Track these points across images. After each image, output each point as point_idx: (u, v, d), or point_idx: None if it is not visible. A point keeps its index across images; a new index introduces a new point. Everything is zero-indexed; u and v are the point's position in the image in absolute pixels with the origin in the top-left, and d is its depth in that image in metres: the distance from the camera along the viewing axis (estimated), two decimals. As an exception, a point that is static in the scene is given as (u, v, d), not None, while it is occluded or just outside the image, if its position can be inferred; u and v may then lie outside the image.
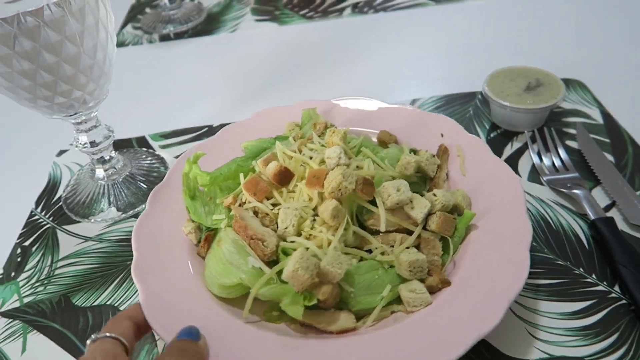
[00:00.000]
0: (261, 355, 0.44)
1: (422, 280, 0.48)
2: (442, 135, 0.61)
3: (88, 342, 0.41)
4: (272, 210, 0.52)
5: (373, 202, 0.51)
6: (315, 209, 0.51)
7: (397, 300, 0.48)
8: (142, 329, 0.45)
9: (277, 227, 0.51)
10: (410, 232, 0.50)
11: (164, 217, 0.56)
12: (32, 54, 0.50)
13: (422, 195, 0.52)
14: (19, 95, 0.54)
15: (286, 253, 0.49)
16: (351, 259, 0.49)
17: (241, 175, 0.56)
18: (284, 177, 0.52)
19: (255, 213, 0.53)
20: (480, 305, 0.44)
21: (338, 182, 0.48)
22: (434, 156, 0.57)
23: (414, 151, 0.60)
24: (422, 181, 0.58)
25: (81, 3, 0.52)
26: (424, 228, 0.51)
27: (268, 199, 0.53)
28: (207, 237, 0.54)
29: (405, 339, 0.43)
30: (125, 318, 0.44)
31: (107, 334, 0.41)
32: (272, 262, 0.49)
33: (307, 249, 0.47)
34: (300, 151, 0.55)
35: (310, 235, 0.50)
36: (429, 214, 0.51)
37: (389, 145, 0.61)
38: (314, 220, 0.50)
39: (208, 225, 0.55)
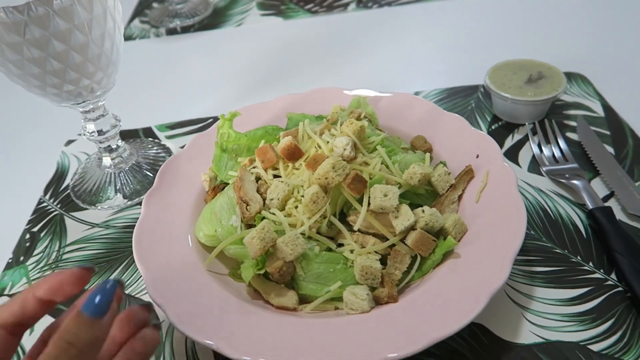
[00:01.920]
0: (217, 311, 0.47)
1: (374, 289, 0.48)
2: (477, 157, 0.57)
3: None
4: (271, 180, 0.54)
5: (362, 201, 0.50)
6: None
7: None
8: (20, 328, 0.38)
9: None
10: (387, 240, 0.49)
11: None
12: (42, 41, 0.52)
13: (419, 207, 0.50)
14: (29, 83, 0.56)
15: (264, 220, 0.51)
16: (315, 246, 0.50)
17: (262, 142, 0.59)
18: (292, 154, 0.54)
19: (258, 179, 0.55)
20: (407, 332, 0.42)
21: (325, 171, 0.49)
22: (448, 174, 0.54)
23: (443, 164, 0.56)
24: (431, 195, 0.55)
25: (90, -7, 0.53)
26: (402, 240, 0.49)
27: (275, 169, 0.55)
28: (215, 187, 0.59)
29: (338, 332, 0.44)
30: None
31: None
32: (251, 226, 0.52)
33: (275, 223, 0.50)
34: (322, 134, 0.56)
35: (290, 213, 0.52)
36: (412, 228, 0.49)
37: (416, 151, 0.59)
38: (300, 200, 0.52)
39: (222, 179, 0.59)
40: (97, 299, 0.34)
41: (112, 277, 0.58)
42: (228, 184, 0.58)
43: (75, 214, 0.67)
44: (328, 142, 0.54)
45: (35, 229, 0.65)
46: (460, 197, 0.55)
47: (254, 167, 0.57)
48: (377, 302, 0.47)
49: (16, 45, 0.51)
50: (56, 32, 0.52)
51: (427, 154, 0.57)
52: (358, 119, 0.59)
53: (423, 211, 0.49)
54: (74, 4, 0.52)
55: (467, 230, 0.51)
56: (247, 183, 0.55)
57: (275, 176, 0.55)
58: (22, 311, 0.37)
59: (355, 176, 0.49)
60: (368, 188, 0.50)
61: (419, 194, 0.54)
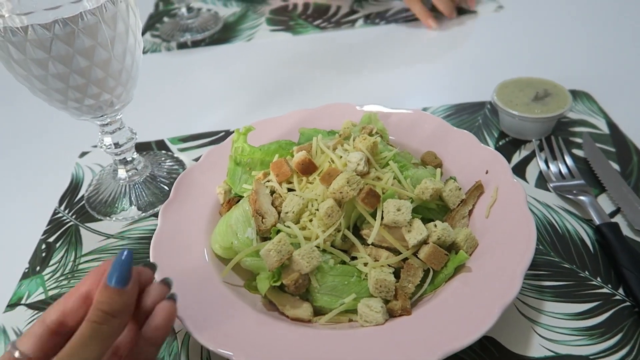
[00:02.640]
0: (233, 322, 0.48)
1: (387, 302, 0.49)
2: (486, 172, 0.58)
3: (8, 347, 0.40)
4: (285, 193, 0.55)
5: (376, 215, 0.51)
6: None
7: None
8: (62, 327, 0.41)
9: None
10: (401, 253, 0.50)
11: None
12: (66, 58, 0.53)
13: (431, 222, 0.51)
14: (52, 97, 0.57)
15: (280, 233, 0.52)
16: (329, 259, 0.51)
17: (276, 156, 0.60)
18: (306, 168, 0.55)
19: (273, 192, 0.57)
20: (421, 344, 0.43)
21: (340, 185, 0.50)
22: (459, 189, 0.56)
23: (454, 179, 0.57)
24: (442, 210, 0.56)
25: (113, 11, 0.55)
26: (415, 254, 0.51)
27: (289, 183, 0.57)
28: (230, 200, 0.60)
29: (353, 344, 0.45)
30: (41, 325, 0.40)
31: (16, 351, 0.39)
32: (267, 239, 0.53)
33: (291, 236, 0.51)
34: (335, 149, 0.57)
35: (305, 226, 0.53)
36: (424, 242, 0.50)
37: (427, 167, 0.60)
38: (315, 214, 0.53)
39: (236, 192, 0.61)
40: (120, 269, 0.40)
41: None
42: (242, 197, 0.60)
43: (90, 224, 0.68)
44: (341, 157, 0.55)
45: (51, 240, 0.67)
46: (470, 212, 0.56)
47: (268, 181, 0.58)
48: (391, 314, 0.48)
49: (41, 61, 0.53)
50: (80, 49, 0.53)
51: (438, 170, 0.59)
52: (370, 134, 0.61)
53: (435, 225, 0.51)
54: (98, 22, 0.54)
55: (478, 244, 0.52)
56: (263, 196, 0.56)
57: (290, 190, 0.57)
58: (63, 307, 0.41)
59: (369, 191, 0.50)
60: (381, 202, 0.51)
61: (431, 209, 0.55)
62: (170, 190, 0.70)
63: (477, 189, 0.57)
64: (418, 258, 0.50)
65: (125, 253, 0.40)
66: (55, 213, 0.71)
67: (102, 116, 0.62)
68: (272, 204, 0.56)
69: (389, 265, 0.50)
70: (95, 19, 0.53)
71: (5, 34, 0.51)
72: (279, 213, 0.55)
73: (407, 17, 1.12)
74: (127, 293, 0.40)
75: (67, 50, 0.53)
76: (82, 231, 0.67)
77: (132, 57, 0.60)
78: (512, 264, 0.47)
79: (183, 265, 0.54)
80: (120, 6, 0.56)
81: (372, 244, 0.52)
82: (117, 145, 0.67)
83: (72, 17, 0.52)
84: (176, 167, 0.75)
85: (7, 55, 0.53)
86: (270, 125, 0.70)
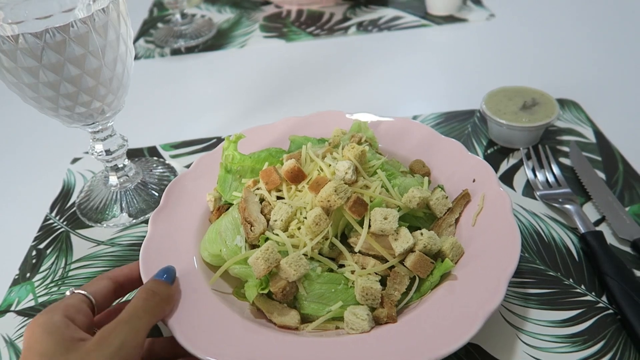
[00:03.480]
0: (221, 329, 0.49)
1: (373, 309, 0.49)
2: (473, 181, 0.59)
3: (67, 293, 0.47)
4: (274, 201, 0.56)
5: (363, 223, 0.52)
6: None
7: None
8: (120, 290, 0.51)
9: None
10: (387, 261, 0.51)
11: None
12: (57, 66, 0.54)
13: (418, 230, 0.52)
14: (42, 105, 0.58)
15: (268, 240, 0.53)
16: (317, 266, 0.52)
17: (266, 164, 0.61)
18: (295, 177, 0.56)
19: (262, 200, 0.57)
20: (406, 351, 0.44)
21: (328, 194, 0.51)
22: (446, 197, 0.56)
23: (441, 187, 0.58)
24: (429, 218, 0.57)
25: (104, 19, 0.55)
26: (402, 262, 0.51)
27: (279, 191, 0.57)
28: (220, 207, 0.61)
29: (339, 352, 0.46)
30: (105, 278, 0.49)
31: (79, 291, 0.46)
32: (255, 247, 0.53)
33: (279, 243, 0.52)
34: (324, 157, 0.58)
35: (293, 234, 0.53)
36: (411, 250, 0.51)
37: (415, 175, 0.61)
38: (303, 222, 0.53)
39: (226, 199, 0.61)
40: (167, 272, 0.50)
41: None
42: (232, 204, 0.60)
43: (80, 231, 0.68)
44: (330, 165, 0.56)
45: (41, 246, 0.67)
46: (457, 220, 0.56)
47: (257, 189, 0.58)
48: (377, 322, 0.49)
49: (32, 69, 0.53)
50: (71, 57, 0.54)
51: (426, 178, 0.59)
52: (359, 143, 0.61)
53: (422, 234, 0.51)
54: (89, 31, 0.54)
55: (464, 252, 0.52)
56: (252, 204, 0.56)
57: (279, 198, 0.57)
58: (130, 273, 0.52)
59: (357, 199, 0.51)
60: (369, 211, 0.51)
61: (418, 217, 0.56)
62: (161, 196, 0.70)
63: (464, 198, 0.57)
64: (404, 266, 0.51)
65: (171, 266, 0.51)
66: (46, 219, 0.71)
67: (93, 124, 0.63)
68: (262, 212, 0.56)
69: (376, 273, 0.51)
70: (86, 28, 0.54)
71: (-4, 42, 0.51)
72: (267, 221, 0.55)
73: (399, 25, 1.13)
74: (172, 288, 0.49)
75: (57, 58, 0.53)
76: (73, 238, 0.67)
77: (123, 65, 0.60)
78: (496, 273, 0.48)
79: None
80: (112, 15, 0.57)
81: (360, 252, 0.52)
82: (108, 152, 0.67)
83: (63, 26, 0.52)
84: (167, 173, 0.75)
85: (-1, 64, 0.53)
86: (261, 133, 0.70)
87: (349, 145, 0.57)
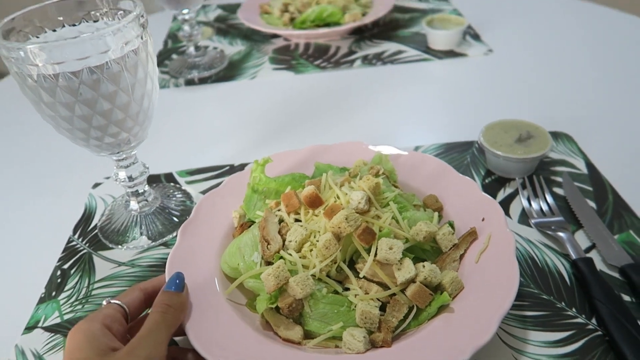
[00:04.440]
0: (231, 336, 0.53)
1: (371, 333, 0.53)
2: (482, 220, 0.62)
3: (104, 302, 0.52)
4: (292, 223, 0.61)
5: (370, 251, 0.56)
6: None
7: None
8: (150, 300, 0.55)
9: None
10: (389, 289, 0.55)
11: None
12: (91, 101, 0.59)
13: (421, 262, 0.56)
14: (75, 135, 0.63)
15: (282, 260, 0.57)
16: (323, 287, 0.56)
17: (288, 187, 0.66)
18: (313, 202, 0.61)
19: (281, 221, 0.62)
20: None
21: (339, 221, 0.55)
22: (452, 234, 0.60)
23: (451, 224, 0.62)
24: (435, 251, 0.60)
25: (135, 59, 0.61)
26: (402, 291, 0.55)
27: (297, 214, 0.62)
28: (243, 224, 0.66)
29: None
30: (137, 289, 0.55)
31: (115, 301, 0.52)
32: (270, 264, 0.58)
33: (291, 263, 0.56)
34: (342, 186, 0.63)
35: (304, 255, 0.57)
36: (412, 280, 0.54)
37: (426, 209, 0.65)
38: (315, 244, 0.58)
39: (250, 217, 0.66)
40: (177, 280, 0.54)
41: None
42: (254, 222, 0.65)
43: (102, 252, 0.73)
44: (346, 194, 0.61)
45: (65, 266, 0.71)
46: (462, 256, 0.60)
47: (278, 210, 0.63)
48: (373, 345, 0.52)
49: (69, 104, 0.59)
50: (104, 93, 0.59)
51: (436, 213, 0.63)
52: (376, 175, 0.66)
53: (424, 266, 0.55)
54: (121, 70, 0.59)
55: (464, 287, 0.56)
56: (271, 224, 0.61)
57: (297, 220, 0.62)
58: (159, 285, 0.55)
59: (366, 228, 0.55)
60: (376, 240, 0.56)
61: (425, 250, 0.60)
62: (178, 220, 0.75)
63: (471, 235, 0.60)
64: (405, 295, 0.55)
65: (180, 273, 0.56)
66: (69, 241, 0.75)
67: (119, 152, 0.68)
68: (279, 232, 0.61)
69: (377, 299, 0.55)
70: (118, 67, 0.59)
71: (38, 80, 0.57)
72: (284, 241, 0.60)
73: (402, 59, 1.19)
74: (183, 297, 0.54)
75: (92, 94, 0.59)
76: (95, 259, 0.72)
77: (149, 99, 0.65)
78: (491, 310, 0.51)
79: (194, 279, 0.59)
80: (141, 55, 0.62)
81: (365, 277, 0.56)
82: (130, 178, 0.72)
83: (99, 66, 0.58)
84: (184, 199, 0.80)
85: (38, 98, 0.59)
86: (289, 157, 0.76)
87: (365, 177, 0.61)
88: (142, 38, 0.62)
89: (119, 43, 0.59)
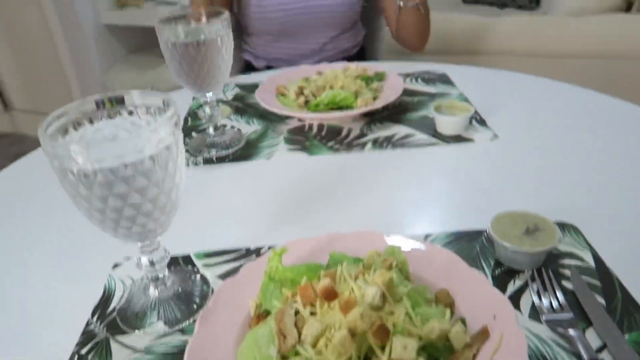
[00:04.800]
0: None
1: None
2: (494, 317, 0.63)
3: None
4: (308, 316, 0.62)
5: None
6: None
7: None
8: None
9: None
10: None
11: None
12: (124, 195, 0.63)
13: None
14: (106, 225, 0.66)
15: (298, 354, 0.58)
16: None
17: (304, 278, 0.67)
18: (329, 295, 0.62)
19: (297, 313, 0.63)
20: None
21: (354, 318, 0.57)
22: (465, 332, 0.61)
23: (463, 321, 0.63)
24: (448, 349, 0.61)
25: (167, 155, 0.65)
26: None
27: (312, 306, 0.63)
28: (259, 314, 0.67)
29: None
30: None
31: None
32: (286, 358, 0.59)
33: (307, 359, 0.57)
34: (357, 278, 0.65)
35: (320, 351, 0.58)
36: None
37: (438, 305, 0.66)
38: (331, 339, 0.58)
39: (266, 307, 0.67)
40: None
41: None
42: (270, 312, 0.67)
43: (119, 337, 0.74)
44: (361, 287, 0.63)
45: (83, 351, 0.72)
46: (474, 356, 0.60)
47: (295, 301, 0.65)
48: None
49: (104, 197, 0.62)
50: (137, 187, 0.63)
51: (448, 310, 0.65)
52: (389, 267, 0.68)
53: None
54: (154, 166, 0.64)
55: None
56: (287, 316, 0.63)
57: (312, 313, 0.63)
58: None
59: (380, 326, 0.57)
60: (391, 337, 0.57)
61: (438, 348, 0.61)
62: (196, 307, 0.77)
63: (483, 334, 0.62)
64: None
65: None
66: (87, 324, 0.77)
67: (145, 240, 0.71)
68: (295, 324, 0.62)
69: None
70: (152, 164, 0.64)
71: (78, 176, 0.61)
72: (299, 334, 0.61)
73: (411, 143, 1.25)
74: None
75: (126, 188, 0.63)
76: (113, 345, 0.73)
77: (177, 191, 0.69)
78: None
79: None
80: (172, 150, 0.67)
81: None
82: (152, 263, 0.75)
83: (134, 162, 0.62)
84: (201, 283, 0.82)
85: (76, 192, 0.63)
86: (304, 245, 0.79)
87: (379, 271, 0.64)
88: (174, 135, 0.67)
89: (154, 141, 0.63)
